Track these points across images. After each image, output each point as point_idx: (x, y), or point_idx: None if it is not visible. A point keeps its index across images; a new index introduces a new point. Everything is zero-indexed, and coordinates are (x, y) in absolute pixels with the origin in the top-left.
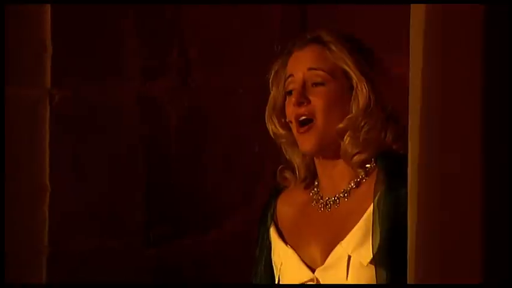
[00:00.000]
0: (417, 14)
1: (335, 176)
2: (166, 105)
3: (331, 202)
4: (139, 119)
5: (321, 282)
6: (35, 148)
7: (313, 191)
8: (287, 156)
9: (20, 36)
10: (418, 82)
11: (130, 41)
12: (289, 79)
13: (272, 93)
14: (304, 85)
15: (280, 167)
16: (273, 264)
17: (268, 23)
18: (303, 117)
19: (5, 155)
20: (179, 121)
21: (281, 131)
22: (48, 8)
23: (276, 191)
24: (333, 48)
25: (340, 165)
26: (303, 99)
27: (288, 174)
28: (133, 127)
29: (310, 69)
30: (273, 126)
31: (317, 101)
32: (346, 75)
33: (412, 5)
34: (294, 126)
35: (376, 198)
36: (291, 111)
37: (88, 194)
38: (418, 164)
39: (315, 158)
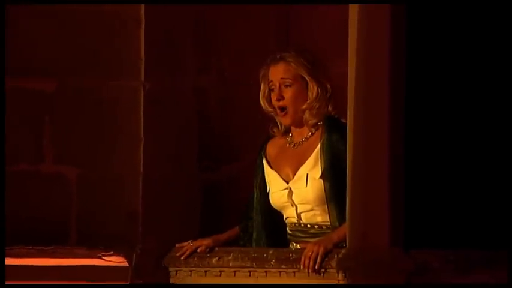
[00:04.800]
0: (353, 14)
1: (300, 131)
2: (210, 90)
3: (298, 144)
4: (195, 99)
5: (292, 190)
6: (134, 118)
7: (288, 138)
8: (275, 119)
9: (124, 43)
10: (352, 71)
11: (190, 49)
12: (271, 83)
13: (262, 87)
14: (280, 87)
15: (271, 125)
16: (266, 180)
17: (267, 35)
18: (281, 107)
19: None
20: (217, 100)
21: (269, 109)
22: (142, 12)
23: (266, 139)
24: (292, 65)
25: (302, 125)
26: (280, 97)
27: (275, 129)
28: (191, 103)
29: (282, 78)
30: (264, 106)
31: (288, 97)
32: (303, 78)
33: (350, 5)
34: (278, 112)
35: (322, 140)
36: (274, 103)
37: (166, 143)
38: (353, 123)
39: None
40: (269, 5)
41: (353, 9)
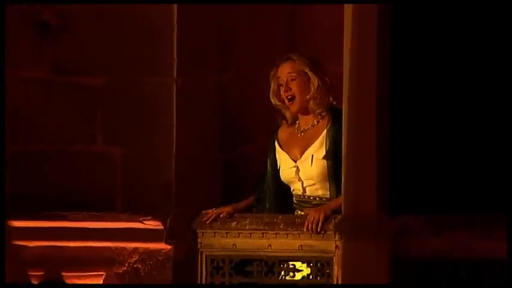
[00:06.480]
0: (348, 13)
1: (307, 119)
2: (229, 86)
3: (305, 130)
4: (217, 92)
5: (299, 168)
6: (168, 108)
7: (296, 126)
8: (282, 112)
9: (160, 46)
10: (347, 71)
11: (214, 52)
12: (279, 79)
13: (272, 85)
14: (287, 81)
15: (279, 118)
16: (277, 159)
17: (276, 40)
18: (289, 97)
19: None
20: (236, 94)
21: (278, 103)
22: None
23: (277, 127)
24: (297, 62)
25: (309, 114)
26: (288, 88)
27: (283, 121)
28: (214, 96)
29: (288, 73)
30: (274, 101)
31: (294, 88)
32: (306, 73)
33: (345, 5)
34: (286, 102)
35: (327, 128)
36: (283, 95)
37: (193, 128)
38: (348, 115)
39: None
40: (277, 15)
41: (347, 10)
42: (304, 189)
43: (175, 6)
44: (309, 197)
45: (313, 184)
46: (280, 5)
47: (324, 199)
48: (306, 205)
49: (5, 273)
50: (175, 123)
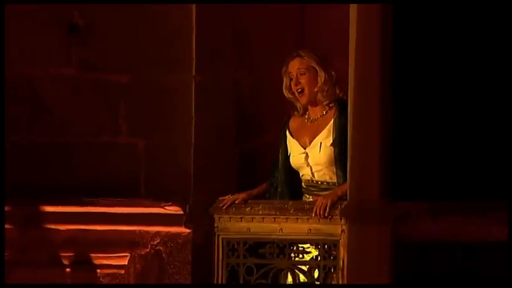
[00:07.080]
0: (353, 13)
1: (316, 110)
2: (244, 82)
3: (314, 120)
4: (233, 88)
5: (308, 155)
6: (187, 103)
7: (306, 116)
8: (294, 104)
9: (180, 46)
10: (352, 66)
11: (229, 51)
12: (290, 74)
13: (284, 80)
14: (297, 76)
15: (292, 109)
16: (288, 146)
17: (287, 40)
18: (299, 90)
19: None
20: (250, 89)
21: (290, 96)
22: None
23: (288, 117)
24: (305, 58)
25: (318, 105)
26: (297, 82)
27: (295, 111)
28: (230, 91)
29: (298, 68)
30: (286, 94)
31: (303, 82)
32: (314, 68)
33: (350, 5)
34: (296, 94)
35: (334, 118)
36: (294, 88)
37: (211, 121)
38: (353, 107)
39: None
40: (288, 16)
41: (352, 10)
42: (312, 174)
43: (193, 7)
44: (317, 181)
45: (321, 170)
46: (291, 7)
47: (331, 184)
48: (314, 189)
49: (4, 273)
50: (193, 117)
